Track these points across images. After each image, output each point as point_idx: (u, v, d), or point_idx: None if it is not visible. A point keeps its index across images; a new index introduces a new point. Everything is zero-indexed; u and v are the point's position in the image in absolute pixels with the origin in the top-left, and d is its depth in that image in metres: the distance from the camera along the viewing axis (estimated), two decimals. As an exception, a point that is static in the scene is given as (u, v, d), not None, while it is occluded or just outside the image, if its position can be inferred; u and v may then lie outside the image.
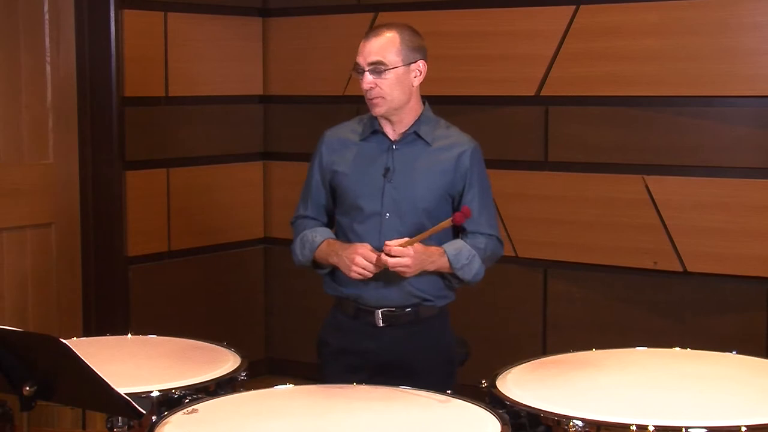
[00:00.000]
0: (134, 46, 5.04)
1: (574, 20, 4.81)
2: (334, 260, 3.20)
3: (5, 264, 4.87)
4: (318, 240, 3.25)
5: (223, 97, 5.51)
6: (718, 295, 4.61)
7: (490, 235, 3.27)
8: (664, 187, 4.68)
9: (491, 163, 5.05)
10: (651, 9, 4.64)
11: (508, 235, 5.01)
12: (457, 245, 3.20)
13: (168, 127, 5.27)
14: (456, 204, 3.25)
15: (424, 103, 3.29)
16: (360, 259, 3.10)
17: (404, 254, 3.07)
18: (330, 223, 3.37)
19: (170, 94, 5.25)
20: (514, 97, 4.97)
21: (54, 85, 4.98)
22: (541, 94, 4.91)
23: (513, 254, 5.00)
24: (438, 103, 3.41)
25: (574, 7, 4.80)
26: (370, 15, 5.29)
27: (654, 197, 4.70)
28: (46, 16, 4.94)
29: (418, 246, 3.10)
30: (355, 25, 5.32)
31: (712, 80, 4.54)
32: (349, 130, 3.34)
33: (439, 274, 3.22)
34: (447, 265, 3.18)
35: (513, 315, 5.07)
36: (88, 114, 5.04)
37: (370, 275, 3.13)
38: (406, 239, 3.10)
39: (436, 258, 3.16)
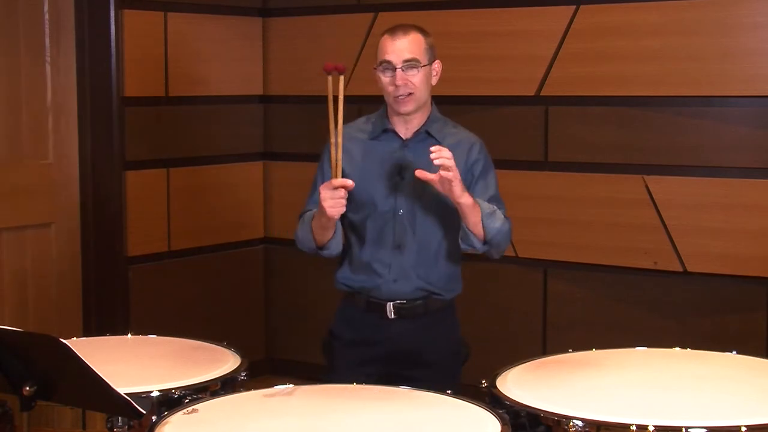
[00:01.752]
0: (134, 46, 5.04)
1: (574, 20, 4.81)
2: (317, 215, 3.19)
3: (5, 264, 4.87)
4: (312, 212, 3.24)
5: (223, 97, 5.51)
6: (718, 295, 4.61)
7: (506, 218, 3.30)
8: (664, 187, 4.68)
9: (491, 163, 5.12)
10: (651, 9, 4.64)
11: (508, 235, 5.01)
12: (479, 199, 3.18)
13: (168, 127, 5.26)
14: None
15: (431, 104, 3.33)
16: (324, 193, 3.07)
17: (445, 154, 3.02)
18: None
19: (170, 94, 5.25)
20: (514, 97, 4.97)
21: (54, 85, 4.97)
22: (541, 94, 4.90)
23: (513, 254, 5.00)
24: (438, 103, 3.42)
25: (574, 7, 4.80)
26: (370, 15, 5.29)
27: (654, 197, 4.70)
28: (46, 16, 4.94)
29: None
30: (355, 25, 5.32)
31: (711, 80, 4.54)
32: (357, 129, 3.37)
33: (461, 230, 3.17)
34: (471, 201, 3.12)
35: (513, 315, 5.07)
36: (88, 114, 5.04)
37: (343, 206, 3.09)
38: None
39: (465, 189, 3.11)
